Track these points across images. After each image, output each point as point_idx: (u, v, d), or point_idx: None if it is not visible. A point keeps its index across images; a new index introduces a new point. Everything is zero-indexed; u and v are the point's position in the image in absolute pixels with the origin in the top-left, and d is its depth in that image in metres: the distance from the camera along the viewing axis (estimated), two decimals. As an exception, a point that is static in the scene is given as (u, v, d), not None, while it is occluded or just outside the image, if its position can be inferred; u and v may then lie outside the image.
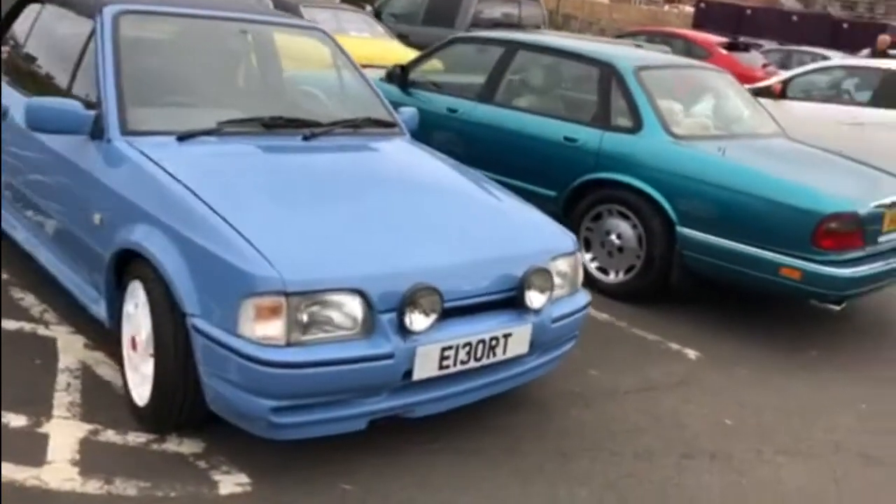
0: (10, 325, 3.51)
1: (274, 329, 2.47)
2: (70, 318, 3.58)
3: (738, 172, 4.46)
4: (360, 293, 2.57)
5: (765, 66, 13.55)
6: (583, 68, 5.21)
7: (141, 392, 2.88)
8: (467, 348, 2.78)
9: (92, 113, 3.17)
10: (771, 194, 4.29)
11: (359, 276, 2.59)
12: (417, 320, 2.62)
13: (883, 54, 11.25)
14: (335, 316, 2.55)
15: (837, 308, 4.40)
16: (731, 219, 4.39)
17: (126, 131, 3.14)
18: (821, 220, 4.14)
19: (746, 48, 14.03)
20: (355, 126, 3.69)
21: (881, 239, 4.44)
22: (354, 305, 2.57)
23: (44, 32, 3.94)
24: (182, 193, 2.81)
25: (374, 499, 2.67)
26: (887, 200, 4.44)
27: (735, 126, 5.23)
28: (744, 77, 13.09)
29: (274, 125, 3.43)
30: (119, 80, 3.26)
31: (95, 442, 2.80)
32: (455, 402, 2.91)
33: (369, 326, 2.59)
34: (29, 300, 3.75)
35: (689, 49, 13.09)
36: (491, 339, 2.84)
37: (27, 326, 3.53)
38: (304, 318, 2.50)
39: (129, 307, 2.97)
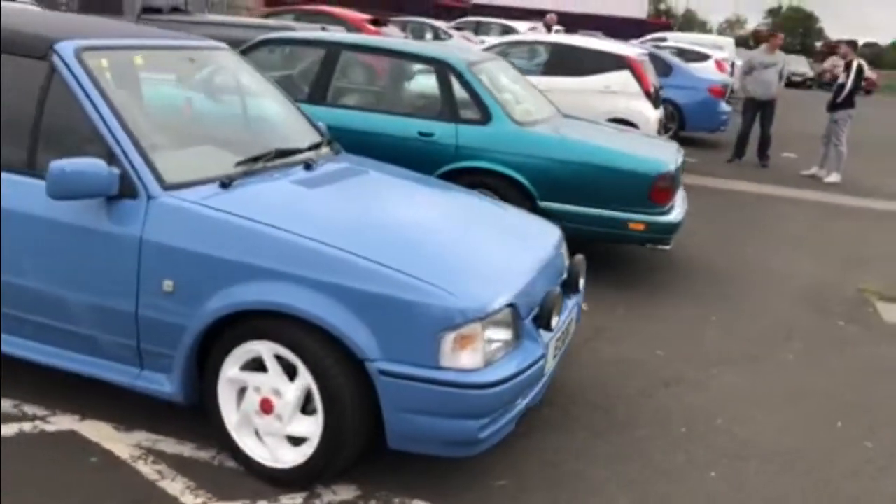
0: (11, 429, 2.99)
1: (473, 355, 2.63)
2: (65, 406, 3.16)
3: (580, 148, 5.27)
4: (512, 307, 2.82)
5: (405, 38, 14.69)
6: (418, 67, 5.56)
7: (281, 455, 2.78)
8: (563, 336, 3.19)
9: (116, 170, 2.83)
10: (611, 163, 5.18)
11: (512, 292, 2.83)
12: (555, 320, 2.96)
13: (549, 30, 13.07)
14: (500, 332, 2.77)
15: (668, 247, 5.48)
16: (581, 188, 5.18)
17: (166, 185, 2.87)
18: (654, 180, 5.13)
19: (385, 23, 15.05)
20: (317, 149, 3.70)
21: (678, 190, 5.61)
22: (509, 319, 2.81)
23: None
24: (295, 240, 2.72)
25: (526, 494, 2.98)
26: (680, 160, 5.61)
27: (538, 109, 6.01)
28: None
29: (280, 157, 3.35)
30: (128, 128, 2.92)
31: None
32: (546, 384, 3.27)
33: (518, 334, 2.86)
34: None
35: (343, 27, 13.68)
36: (567, 323, 3.26)
37: (27, 426, 3.03)
38: (487, 339, 2.69)
39: (229, 372, 2.80)
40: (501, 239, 3.33)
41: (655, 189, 5.14)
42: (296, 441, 2.78)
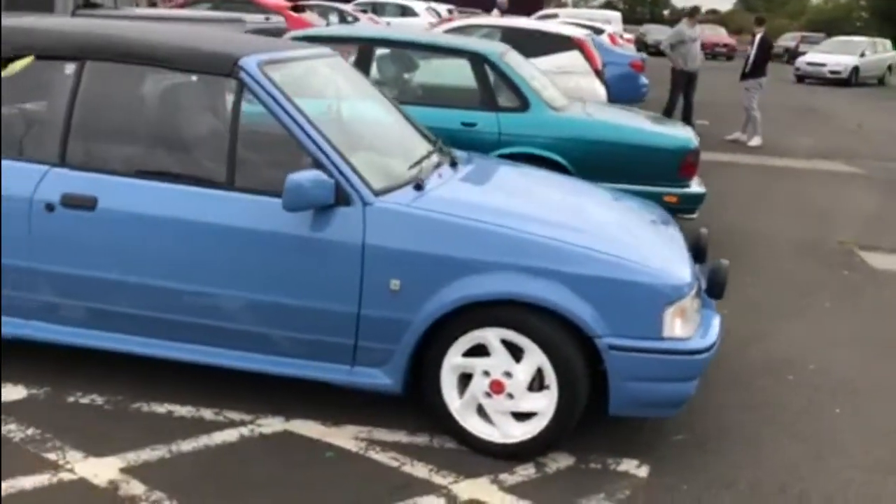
0: (230, 435, 3.10)
1: (686, 325, 2.98)
2: (264, 408, 3.30)
3: (614, 129, 5.67)
4: (697, 281, 3.18)
5: (328, 24, 14.65)
6: (452, 60, 5.78)
7: (509, 430, 3.04)
8: None
9: (332, 180, 2.98)
10: (645, 141, 5.61)
11: (691, 268, 3.20)
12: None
13: (501, 13, 13.40)
14: (697, 303, 3.13)
15: (694, 216, 5.96)
16: (617, 166, 5.56)
17: (375, 191, 3.05)
18: (685, 156, 5.60)
19: (304, 9, 14.92)
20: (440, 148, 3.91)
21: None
22: (698, 291, 3.17)
23: (111, 96, 3.23)
24: (513, 234, 2.98)
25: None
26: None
27: (559, 95, 6.34)
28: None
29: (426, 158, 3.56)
30: (328, 138, 3.08)
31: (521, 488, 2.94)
32: None
33: (703, 304, 3.24)
34: (179, 410, 3.28)
35: (263, 13, 13.49)
36: None
37: (244, 431, 3.15)
38: (694, 310, 3.05)
39: (453, 360, 3.03)
40: (648, 221, 3.67)
41: (686, 164, 5.60)
42: (522, 417, 3.05)
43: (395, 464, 3.01)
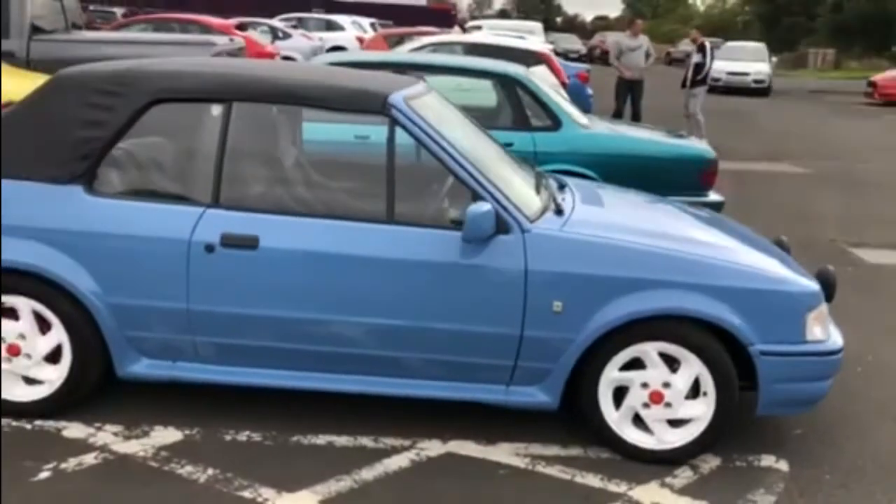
0: (401, 461, 3.19)
1: (822, 328, 3.26)
2: (417, 433, 3.41)
3: (640, 143, 5.97)
4: None
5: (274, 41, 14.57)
6: (482, 81, 5.95)
7: (666, 437, 3.25)
8: None
9: (493, 209, 3.13)
10: (670, 154, 5.94)
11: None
12: None
13: (464, 31, 13.58)
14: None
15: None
16: (645, 178, 5.80)
17: (531, 218, 3.21)
18: (707, 166, 5.95)
19: (247, 28, 14.78)
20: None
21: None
22: None
23: (261, 136, 3.26)
24: (671, 253, 3.22)
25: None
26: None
27: (578, 111, 6.59)
28: (264, 55, 14.09)
29: None
30: (483, 171, 3.22)
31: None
32: None
33: None
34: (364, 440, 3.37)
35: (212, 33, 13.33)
36: None
37: (411, 455, 3.24)
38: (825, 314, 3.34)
39: (611, 374, 3.22)
40: (739, 233, 3.94)
41: (706, 173, 5.95)
42: (677, 423, 3.26)
43: (566, 476, 3.17)
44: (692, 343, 3.15)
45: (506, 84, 5.88)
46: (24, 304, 3.21)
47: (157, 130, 3.30)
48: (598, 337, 3.14)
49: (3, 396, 3.27)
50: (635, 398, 3.24)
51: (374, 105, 3.24)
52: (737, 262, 3.26)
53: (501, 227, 3.14)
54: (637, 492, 3.09)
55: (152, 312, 3.19)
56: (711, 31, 53.39)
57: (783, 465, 3.33)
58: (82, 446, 3.16)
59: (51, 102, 3.24)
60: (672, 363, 3.20)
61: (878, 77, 23.49)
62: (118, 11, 24.00)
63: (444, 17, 38.64)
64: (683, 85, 12.51)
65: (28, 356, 3.25)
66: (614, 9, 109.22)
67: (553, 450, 3.34)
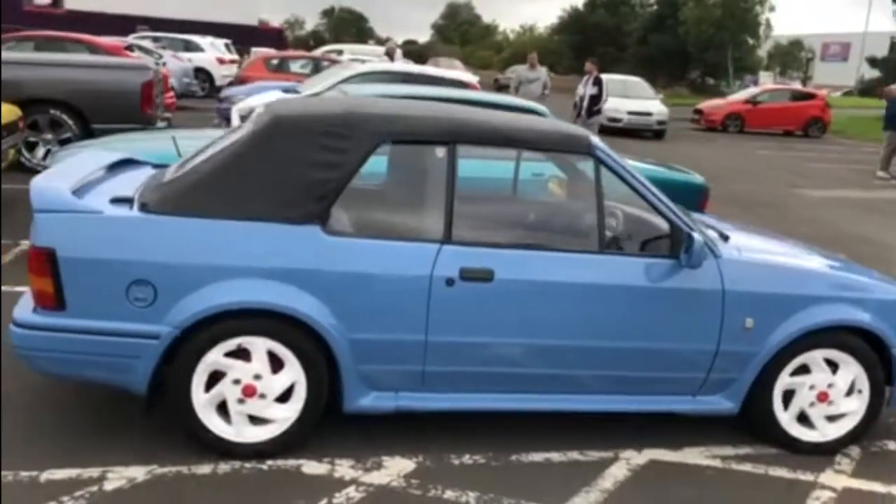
0: (617, 471, 3.50)
1: (936, 328, 3.92)
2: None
3: (647, 172, 6.52)
4: None
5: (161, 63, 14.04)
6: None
7: (826, 431, 3.80)
8: None
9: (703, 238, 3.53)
10: (674, 181, 6.56)
11: None
12: None
13: (391, 58, 13.65)
14: None
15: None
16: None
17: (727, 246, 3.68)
18: (704, 192, 6.65)
19: (133, 48, 14.12)
20: None
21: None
22: None
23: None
24: (835, 272, 3.84)
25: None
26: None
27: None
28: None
29: None
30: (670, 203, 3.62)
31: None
32: None
33: None
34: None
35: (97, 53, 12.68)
36: None
37: (622, 465, 3.55)
38: None
39: (785, 380, 3.71)
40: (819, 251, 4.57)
41: (705, 199, 6.64)
42: (833, 418, 3.79)
43: (760, 471, 3.60)
44: (853, 349, 3.70)
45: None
46: (260, 344, 3.21)
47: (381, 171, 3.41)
48: (780, 348, 3.61)
49: (235, 439, 3.25)
50: (803, 399, 3.74)
51: (580, 147, 3.56)
52: (869, 277, 3.87)
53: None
54: (823, 479, 3.57)
55: (390, 346, 3.30)
56: (522, 59, 56.12)
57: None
58: (332, 481, 3.20)
59: (276, 145, 3.26)
60: (832, 366, 3.74)
61: (704, 105, 26.05)
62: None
63: (276, 39, 38.39)
64: (578, 115, 13.35)
65: (262, 396, 3.25)
66: (423, 34, 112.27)
67: (726, 450, 3.75)
